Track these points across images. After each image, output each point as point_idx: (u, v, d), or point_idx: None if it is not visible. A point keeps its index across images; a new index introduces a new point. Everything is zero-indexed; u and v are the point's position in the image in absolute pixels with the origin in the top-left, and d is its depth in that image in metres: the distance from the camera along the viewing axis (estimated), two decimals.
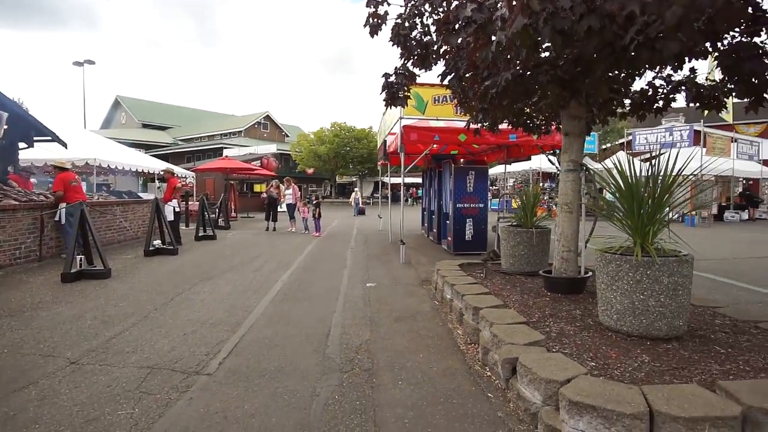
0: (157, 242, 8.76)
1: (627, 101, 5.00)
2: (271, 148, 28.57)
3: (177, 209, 10.14)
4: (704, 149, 17.41)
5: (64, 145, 11.13)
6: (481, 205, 8.83)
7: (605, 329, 3.28)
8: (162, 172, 12.13)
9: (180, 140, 52.86)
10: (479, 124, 5.97)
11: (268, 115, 55.42)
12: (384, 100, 5.01)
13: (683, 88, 4.63)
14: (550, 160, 8.65)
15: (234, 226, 15.10)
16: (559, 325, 3.45)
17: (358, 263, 7.88)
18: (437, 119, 7.88)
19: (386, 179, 38.69)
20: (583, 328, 3.36)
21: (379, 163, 13.40)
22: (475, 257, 8.07)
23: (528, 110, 5.48)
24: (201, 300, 5.24)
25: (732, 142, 19.75)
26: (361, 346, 3.76)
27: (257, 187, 26.69)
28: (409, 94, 5.22)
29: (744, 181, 22.38)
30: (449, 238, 9.09)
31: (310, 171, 44.51)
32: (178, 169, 18.36)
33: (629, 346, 2.95)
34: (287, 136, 54.65)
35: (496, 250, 6.59)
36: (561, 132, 6.81)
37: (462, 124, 7.99)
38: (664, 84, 4.73)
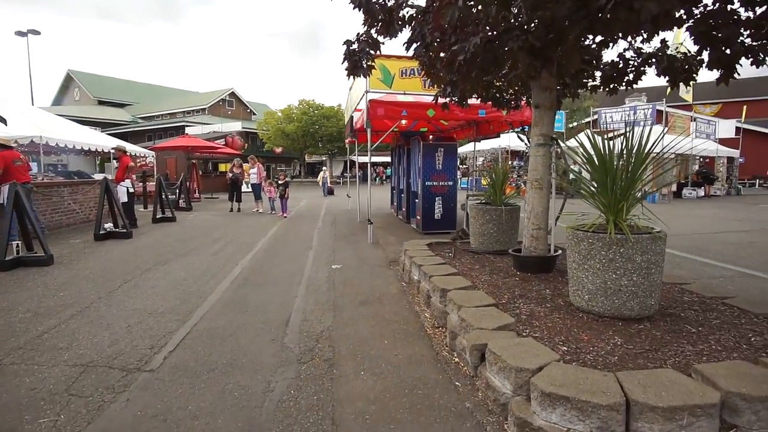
0: (109, 225, 8.17)
1: (598, 74, 4.86)
2: (236, 126, 27.46)
3: (131, 190, 9.49)
4: (666, 128, 17.84)
5: (3, 121, 10.21)
6: (451, 183, 8.66)
7: (576, 310, 3.16)
8: (113, 150, 11.34)
9: (139, 118, 50.40)
10: (448, 99, 5.72)
11: (233, 92, 53.35)
12: (346, 70, 4.65)
13: (654, 60, 4.52)
14: (519, 137, 8.54)
15: (196, 208, 14.44)
16: (529, 306, 3.31)
17: (324, 244, 7.60)
18: (405, 93, 7.56)
19: (355, 158, 38.19)
20: (553, 309, 3.23)
21: (346, 141, 12.99)
22: (444, 236, 7.92)
23: (497, 83, 5.26)
24: (152, 287, 4.85)
25: (691, 121, 20.35)
26: (323, 333, 3.52)
27: (222, 167, 25.66)
28: (373, 63, 4.88)
29: (701, 159, 23.22)
30: (418, 217, 8.91)
31: (279, 150, 43.35)
32: (135, 148, 17.37)
33: (601, 328, 2.83)
34: (254, 114, 52.90)
35: (465, 228, 6.44)
36: (531, 106, 6.66)
37: (431, 99, 7.75)
38: (635, 56, 4.60)
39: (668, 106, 18.68)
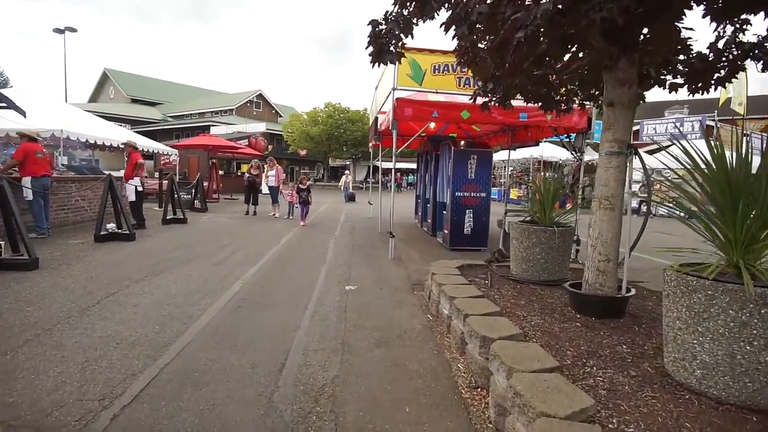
0: (111, 226, 7.61)
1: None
2: (260, 126, 27.18)
3: (140, 188, 8.95)
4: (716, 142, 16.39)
5: (23, 113, 9.96)
6: (483, 195, 7.75)
7: (678, 386, 2.24)
8: (122, 146, 10.90)
9: (170, 117, 51.25)
10: (488, 98, 4.87)
11: (260, 94, 53.67)
12: (370, 55, 3.85)
13: (759, 52, 3.56)
14: (565, 145, 7.58)
15: (212, 209, 13.92)
16: (606, 373, 2.41)
17: (340, 257, 6.80)
18: (437, 92, 6.73)
19: (378, 163, 37.40)
20: (642, 380, 2.32)
21: (370, 144, 12.24)
22: (474, 255, 7.05)
23: (552, 77, 4.36)
24: (134, 305, 4.14)
25: (744, 136, 18.76)
26: (325, 388, 2.70)
27: (244, 168, 25.37)
28: (402, 51, 4.07)
29: None
30: (445, 231, 8.03)
31: (303, 153, 43.12)
32: (157, 145, 17.10)
33: (728, 425, 1.91)
34: (280, 115, 53.04)
35: (502, 249, 5.54)
36: (581, 107, 5.72)
37: (466, 99, 6.89)
38: (731, 47, 3.65)
39: (719, 119, 17.23)
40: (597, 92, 4.63)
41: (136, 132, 33.10)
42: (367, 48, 3.87)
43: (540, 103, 4.80)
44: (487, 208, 7.80)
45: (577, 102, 5.00)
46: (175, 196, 10.16)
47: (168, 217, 9.94)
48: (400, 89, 6.63)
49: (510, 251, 4.69)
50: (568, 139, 7.36)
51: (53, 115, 13.60)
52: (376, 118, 9.10)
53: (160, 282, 4.97)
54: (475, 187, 7.69)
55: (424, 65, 6.60)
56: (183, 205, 13.07)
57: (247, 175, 12.41)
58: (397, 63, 6.41)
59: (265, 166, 12.73)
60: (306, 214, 10.55)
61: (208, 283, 4.98)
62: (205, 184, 17.39)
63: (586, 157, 22.02)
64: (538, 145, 9.91)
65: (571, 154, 7.61)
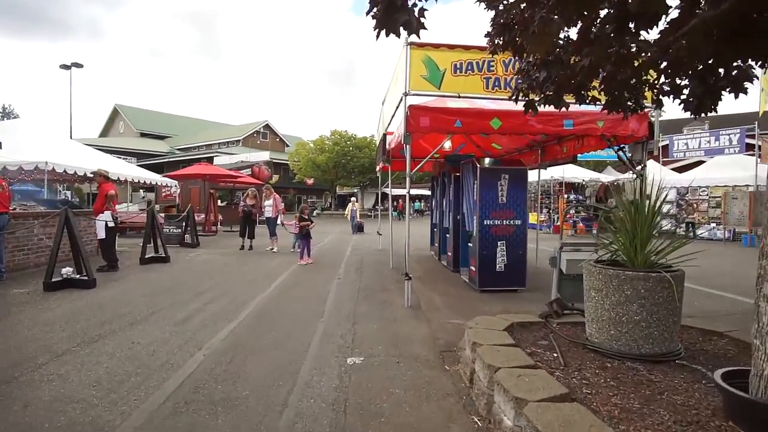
0: (67, 270, 6.28)
1: None
2: (264, 155, 26.29)
3: (111, 224, 7.67)
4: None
5: None
6: (518, 222, 6.32)
7: None
8: (92, 174, 9.73)
9: (177, 149, 51.26)
10: (538, 96, 3.59)
11: (267, 124, 53.62)
12: (374, 18, 2.51)
13: None
14: (620, 157, 6.18)
15: (207, 243, 12.62)
16: None
17: (343, 307, 5.35)
18: (459, 96, 5.42)
19: (387, 190, 36.03)
20: None
21: (377, 167, 10.96)
22: (512, 298, 5.62)
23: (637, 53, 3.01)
24: (25, 404, 2.72)
25: None
26: None
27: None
28: (423, 21, 2.74)
29: None
30: (472, 268, 6.56)
31: (310, 182, 42.22)
32: (154, 176, 16.05)
33: None
34: (287, 145, 52.71)
35: (561, 299, 4.05)
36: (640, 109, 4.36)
37: (494, 105, 5.57)
38: None
39: (759, 133, 15.73)
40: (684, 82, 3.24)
41: (142, 165, 32.53)
42: (369, 10, 2.54)
43: (604, 101, 3.47)
44: (523, 239, 6.34)
45: (652, 96, 3.61)
46: (157, 230, 8.86)
47: (147, 256, 8.61)
48: (414, 94, 5.33)
49: (586, 308, 3.21)
50: (621, 151, 5.96)
51: (42, 148, 12.72)
52: (384, 137, 7.82)
53: (91, 355, 3.56)
54: (507, 213, 6.26)
55: (443, 64, 5.31)
56: (172, 241, 11.86)
57: (242, 205, 11.14)
58: (407, 47, 5.20)
59: (265, 194, 11.45)
60: (307, 251, 9.08)
61: (153, 359, 3.54)
62: (202, 216, 16.23)
63: (607, 178, 20.51)
64: (575, 161, 8.52)
65: (630, 167, 6.19)
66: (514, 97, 3.76)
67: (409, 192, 5.66)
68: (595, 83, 3.50)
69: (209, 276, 7.38)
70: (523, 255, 6.33)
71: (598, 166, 23.55)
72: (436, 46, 5.32)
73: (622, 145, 6.07)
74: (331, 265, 8.75)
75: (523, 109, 3.81)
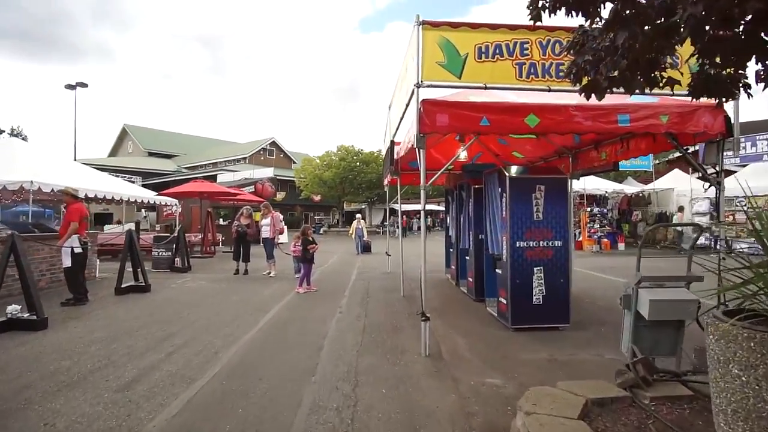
0: (13, 308, 5.22)
1: None
2: (267, 172, 25.45)
3: (78, 250, 6.63)
4: None
5: None
6: (559, 244, 5.14)
7: None
8: (58, 192, 8.79)
9: (184, 168, 51.05)
10: (604, 74, 2.52)
11: (274, 141, 53.23)
12: None
13: None
14: (689, 161, 5.01)
15: (200, 267, 11.56)
16: None
17: (341, 358, 4.18)
18: (485, 87, 4.33)
19: (396, 206, 34.65)
20: None
21: (384, 181, 9.90)
22: (555, 339, 4.42)
23: None
24: None
25: None
26: None
27: (256, 216, 23.30)
28: None
29: None
30: (502, 300, 5.37)
31: (317, 198, 41.37)
32: (147, 195, 15.13)
33: None
34: (294, 162, 52.19)
35: (650, 360, 2.85)
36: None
37: (527, 98, 4.45)
38: None
39: None
40: None
41: (147, 184, 31.83)
42: None
43: (686, 83, 2.39)
44: (564, 264, 5.16)
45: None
46: (136, 255, 7.80)
47: (124, 285, 7.55)
48: (429, 86, 4.25)
49: (715, 388, 2.02)
50: (690, 153, 4.81)
51: (33, 167, 11.96)
52: (391, 146, 6.74)
53: None
54: (545, 232, 5.10)
55: (464, 47, 4.24)
56: (162, 265, 10.83)
57: (235, 225, 10.08)
58: (419, 28, 4.16)
59: (265, 213, 10.36)
60: (306, 278, 7.95)
61: None
62: (199, 237, 15.24)
63: (631, 189, 19.17)
64: (616, 169, 7.34)
65: (702, 173, 5.01)
66: (571, 78, 2.69)
67: (424, 209, 4.54)
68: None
69: (189, 310, 6.27)
70: (565, 284, 5.14)
71: (618, 177, 22.27)
72: (455, 26, 4.25)
73: (686, 147, 4.92)
74: (332, 293, 7.60)
75: (584, 94, 2.75)
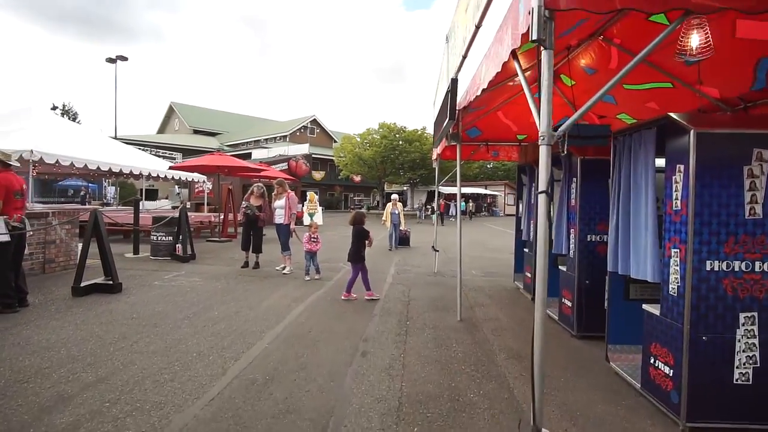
0: None
1: None
2: (303, 148, 23.50)
3: (4, 237, 4.73)
4: None
5: None
6: None
7: None
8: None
9: (226, 146, 50.81)
10: None
11: (315, 119, 51.65)
12: None
13: None
14: None
15: (207, 254, 9.71)
16: None
17: None
18: None
19: (446, 188, 31.63)
20: None
21: (434, 153, 7.49)
22: None
23: None
24: None
25: None
26: None
27: None
28: None
29: None
30: (660, 366, 2.88)
31: (357, 179, 39.42)
32: (154, 166, 13.52)
33: None
34: (335, 141, 50.56)
35: None
36: None
37: None
38: None
39: None
40: None
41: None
42: None
43: None
44: None
45: None
46: (104, 242, 5.89)
47: (85, 284, 5.69)
48: None
49: None
50: None
51: (22, 133, 10.65)
52: (452, 88, 4.27)
53: None
54: (764, 241, 2.56)
55: None
56: (161, 252, 9.04)
57: (244, 206, 8.02)
58: None
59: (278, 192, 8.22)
60: (365, 283, 5.95)
61: None
62: (216, 217, 13.48)
63: None
64: None
65: None
66: None
67: (547, 174, 2.12)
68: None
69: (153, 329, 4.24)
70: None
71: None
72: None
73: None
74: (357, 309, 5.34)
75: None
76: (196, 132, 54.58)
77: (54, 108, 44.41)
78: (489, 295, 6.34)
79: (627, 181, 3.30)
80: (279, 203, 7.83)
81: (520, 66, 2.40)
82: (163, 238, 9.01)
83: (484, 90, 3.07)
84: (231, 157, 15.02)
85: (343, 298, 5.78)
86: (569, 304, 4.45)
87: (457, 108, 3.97)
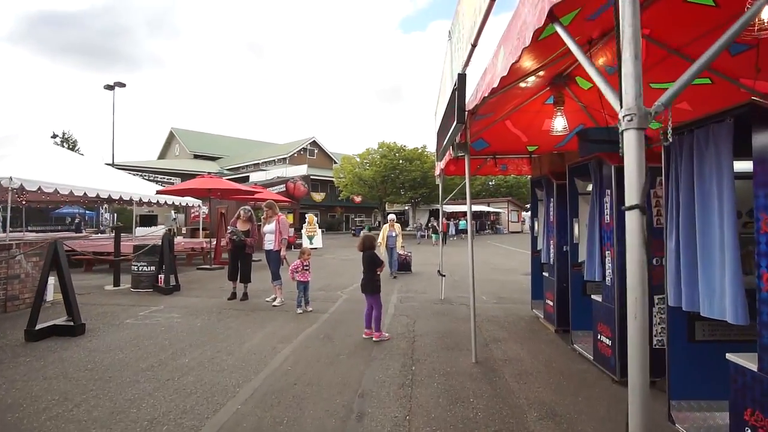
0: None
1: None
2: (301, 170, 22.95)
3: None
4: None
5: None
6: None
7: None
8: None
9: (226, 170, 50.69)
10: None
11: (314, 141, 51.52)
12: None
13: None
14: None
15: (193, 285, 8.96)
16: None
17: None
18: None
19: (449, 207, 31.08)
20: None
21: (437, 169, 6.85)
22: None
23: None
24: None
25: None
26: None
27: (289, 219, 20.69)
28: None
29: None
30: None
31: (358, 199, 38.84)
32: (142, 191, 12.91)
33: None
34: (335, 162, 50.38)
35: None
36: None
37: None
38: None
39: None
40: None
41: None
42: None
43: None
44: None
45: None
46: (65, 278, 5.17)
47: (40, 327, 4.94)
48: None
49: None
50: None
51: (26, 164, 10.25)
52: (460, 84, 3.59)
53: None
54: None
55: None
56: (143, 283, 8.29)
57: (230, 231, 7.32)
58: None
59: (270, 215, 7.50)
60: (376, 321, 5.04)
61: None
62: (208, 243, 12.76)
63: None
64: None
65: None
66: None
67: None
68: None
69: (105, 386, 3.48)
70: None
71: None
72: None
73: None
74: (354, 350, 4.56)
75: None
76: (196, 157, 54.62)
77: (54, 136, 44.31)
78: (505, 327, 5.55)
79: (689, 191, 2.58)
80: (269, 227, 7.13)
81: (565, 28, 1.70)
82: (145, 268, 8.27)
83: (503, 78, 2.39)
84: (222, 179, 14.38)
85: (375, 339, 4.94)
86: (608, 342, 3.67)
87: (465, 109, 3.29)
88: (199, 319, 5.94)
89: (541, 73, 4.16)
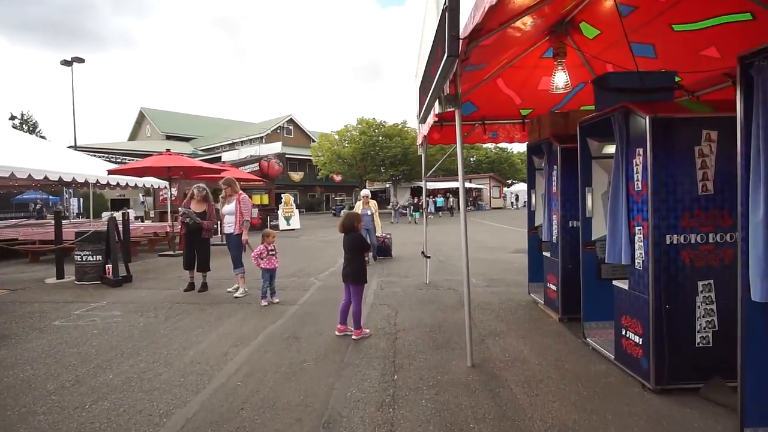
0: None
1: None
2: (275, 147, 21.69)
3: None
4: None
5: None
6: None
7: None
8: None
9: (201, 150, 48.84)
10: None
11: (291, 119, 49.81)
12: None
13: None
14: None
15: (150, 274, 7.99)
16: None
17: None
18: None
19: (430, 184, 30.28)
20: None
21: (419, 138, 6.00)
22: None
23: None
24: None
25: None
26: None
27: (255, 199, 19.52)
28: None
29: None
30: None
31: (338, 178, 37.85)
32: (88, 171, 11.69)
33: None
34: (313, 141, 48.89)
35: None
36: None
37: None
38: None
39: None
40: None
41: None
42: None
43: None
44: None
45: None
46: None
47: None
48: None
49: None
50: None
51: None
52: (446, 17, 2.69)
53: None
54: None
55: None
56: (88, 275, 7.28)
57: (182, 212, 6.35)
58: None
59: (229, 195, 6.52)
60: (356, 318, 4.16)
61: None
62: (172, 227, 11.68)
63: None
64: None
65: None
66: None
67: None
68: None
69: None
70: None
71: None
72: None
73: None
74: (322, 355, 3.74)
75: None
76: (168, 137, 52.49)
77: (12, 118, 41.58)
78: (501, 316, 4.81)
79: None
80: (228, 208, 6.18)
81: None
82: (90, 257, 7.24)
83: (500, 12, 1.51)
84: (183, 157, 13.18)
85: (354, 337, 4.10)
86: (637, 340, 2.93)
87: (460, 37, 2.40)
88: (143, 318, 5.03)
89: (545, 9, 3.30)
